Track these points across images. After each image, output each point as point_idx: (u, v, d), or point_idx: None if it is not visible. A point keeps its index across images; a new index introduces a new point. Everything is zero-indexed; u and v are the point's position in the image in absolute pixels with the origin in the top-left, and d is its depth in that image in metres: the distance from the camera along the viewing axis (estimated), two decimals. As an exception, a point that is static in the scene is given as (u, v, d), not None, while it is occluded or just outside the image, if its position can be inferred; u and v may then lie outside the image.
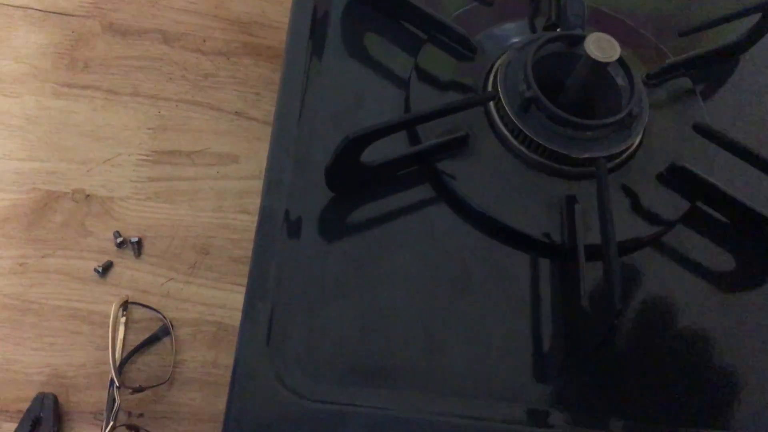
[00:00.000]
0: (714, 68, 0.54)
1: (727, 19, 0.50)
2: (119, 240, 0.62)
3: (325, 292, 0.41)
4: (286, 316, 0.40)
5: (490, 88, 0.48)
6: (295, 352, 0.40)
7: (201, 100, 0.70)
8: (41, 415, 0.53)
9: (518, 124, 0.46)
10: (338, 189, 0.44)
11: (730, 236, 0.47)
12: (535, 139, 0.45)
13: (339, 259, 0.43)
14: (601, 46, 0.44)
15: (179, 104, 0.69)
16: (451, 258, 0.44)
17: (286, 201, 0.44)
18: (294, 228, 0.43)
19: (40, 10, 0.72)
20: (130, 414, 0.56)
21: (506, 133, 0.46)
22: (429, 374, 0.40)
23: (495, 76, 0.48)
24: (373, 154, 0.43)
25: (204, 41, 0.72)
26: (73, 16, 0.72)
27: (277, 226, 0.43)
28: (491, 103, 0.47)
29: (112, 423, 0.54)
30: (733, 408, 0.42)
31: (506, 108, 0.46)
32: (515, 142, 0.46)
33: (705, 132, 0.45)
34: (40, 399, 0.54)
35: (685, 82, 0.52)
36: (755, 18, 0.52)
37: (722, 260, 0.46)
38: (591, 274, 0.43)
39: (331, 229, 0.44)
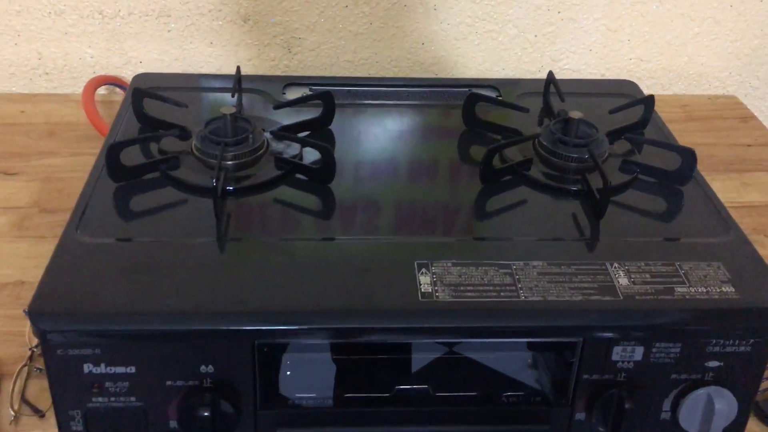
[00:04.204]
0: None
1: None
2: None
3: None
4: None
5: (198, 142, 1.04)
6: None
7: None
8: None
9: (202, 151, 1.02)
10: (117, 179, 0.98)
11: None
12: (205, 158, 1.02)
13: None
14: (229, 109, 1.03)
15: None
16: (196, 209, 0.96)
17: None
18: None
19: None
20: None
21: (201, 156, 1.02)
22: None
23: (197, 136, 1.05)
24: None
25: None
26: None
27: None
28: (193, 140, 1.04)
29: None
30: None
31: (200, 146, 1.02)
32: (204, 158, 1.02)
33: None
34: None
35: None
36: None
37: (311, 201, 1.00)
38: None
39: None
